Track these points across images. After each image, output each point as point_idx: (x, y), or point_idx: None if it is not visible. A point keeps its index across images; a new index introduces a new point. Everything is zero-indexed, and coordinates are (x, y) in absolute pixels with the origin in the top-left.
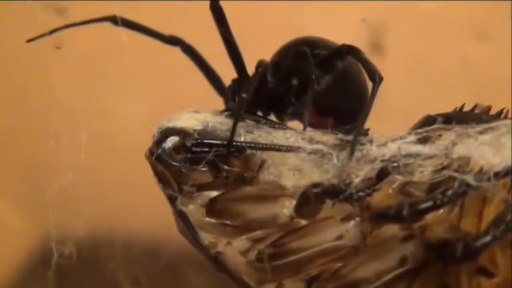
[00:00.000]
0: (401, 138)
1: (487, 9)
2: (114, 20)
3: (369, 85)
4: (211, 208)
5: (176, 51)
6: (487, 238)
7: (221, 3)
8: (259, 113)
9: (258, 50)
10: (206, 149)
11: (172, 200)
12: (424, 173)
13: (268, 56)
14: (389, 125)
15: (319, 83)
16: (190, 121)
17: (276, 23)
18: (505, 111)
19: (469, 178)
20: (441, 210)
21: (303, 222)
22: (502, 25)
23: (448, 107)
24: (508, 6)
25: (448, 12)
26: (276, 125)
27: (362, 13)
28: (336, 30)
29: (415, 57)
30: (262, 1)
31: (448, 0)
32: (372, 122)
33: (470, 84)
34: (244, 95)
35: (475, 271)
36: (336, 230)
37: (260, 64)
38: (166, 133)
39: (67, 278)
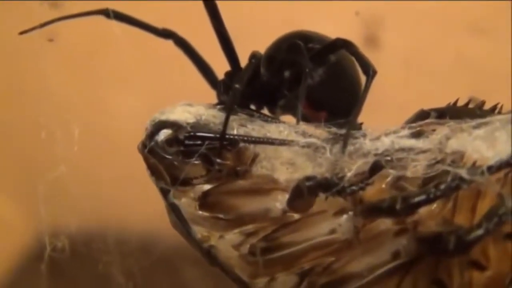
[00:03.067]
0: (394, 132)
1: (484, 3)
2: (106, 13)
3: (363, 79)
4: (204, 201)
5: (169, 44)
6: (480, 231)
7: None
8: (252, 107)
9: (252, 44)
10: (199, 142)
11: (164, 193)
12: (417, 168)
13: (261, 50)
14: (383, 119)
15: (313, 76)
16: (183, 114)
17: (270, 16)
18: (499, 106)
19: (463, 172)
20: (435, 205)
21: (296, 216)
22: (498, 20)
23: (443, 102)
24: (505, 0)
25: (444, 5)
26: (269, 119)
27: (356, 7)
28: (331, 23)
29: (410, 51)
30: None
31: None
32: (367, 116)
33: (466, 79)
34: (237, 85)
35: (467, 264)
36: (329, 224)
37: (254, 56)
38: (159, 126)
39: (60, 271)
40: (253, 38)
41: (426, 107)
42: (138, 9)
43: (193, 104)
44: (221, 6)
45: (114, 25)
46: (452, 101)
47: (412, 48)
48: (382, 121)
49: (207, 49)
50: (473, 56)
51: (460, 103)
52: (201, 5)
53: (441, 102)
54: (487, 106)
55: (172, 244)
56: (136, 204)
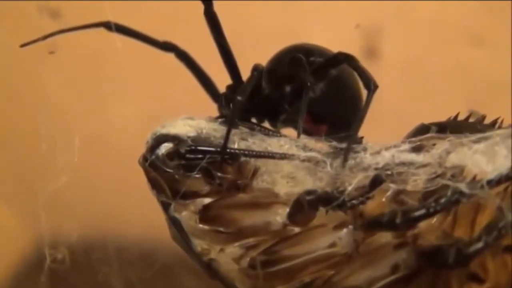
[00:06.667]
0: (395, 146)
1: (483, 14)
2: (108, 25)
3: (364, 92)
4: (205, 215)
5: (170, 56)
6: (480, 245)
7: (216, 8)
8: (253, 120)
9: (253, 56)
10: (200, 156)
11: (165, 206)
12: (417, 182)
13: (262, 62)
14: (383, 130)
15: (314, 90)
16: (184, 127)
17: (271, 29)
18: (499, 120)
19: (462, 186)
20: (434, 219)
21: (296, 229)
22: (498, 30)
23: (443, 113)
24: (504, 11)
25: (443, 17)
26: (270, 133)
27: (356, 18)
28: (331, 35)
29: (409, 62)
30: (257, 6)
31: (444, 0)
32: (366, 128)
33: (466, 90)
34: (239, 97)
35: (466, 277)
36: (329, 237)
37: (256, 68)
38: (160, 139)
39: (60, 282)
40: (254, 50)
41: (426, 118)
42: (139, 20)
43: (194, 118)
44: (222, 18)
45: (115, 37)
46: (452, 112)
47: (411, 59)
48: (382, 132)
49: (208, 62)
50: (472, 66)
51: (461, 115)
52: (202, 16)
53: (441, 113)
54: (488, 116)
55: (172, 255)
56: (136, 214)
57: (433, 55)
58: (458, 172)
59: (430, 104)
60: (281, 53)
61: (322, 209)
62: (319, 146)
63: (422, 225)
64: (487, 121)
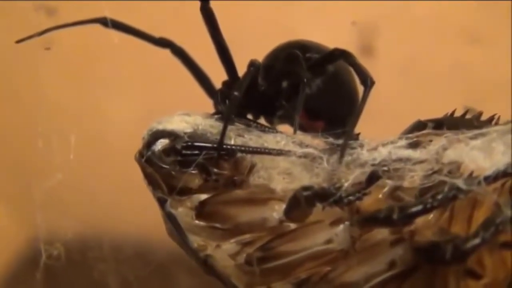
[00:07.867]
0: (391, 142)
1: (480, 12)
2: (104, 22)
3: (360, 89)
4: (201, 211)
5: (167, 52)
6: (477, 241)
7: (212, 5)
8: (249, 117)
9: (249, 53)
10: (196, 152)
11: (161, 202)
12: (414, 178)
13: (258, 59)
14: (379, 128)
15: (310, 87)
16: (180, 123)
17: (267, 25)
18: (496, 117)
19: (459, 182)
20: (431, 215)
21: (293, 225)
22: (495, 29)
23: (440, 111)
24: (502, 9)
25: (440, 14)
26: (267, 129)
27: (352, 15)
28: (327, 32)
29: (406, 60)
30: (253, 3)
31: (440, 0)
32: (363, 125)
33: (463, 88)
34: (235, 93)
35: (463, 273)
36: (326, 234)
37: (252, 64)
38: (156, 135)
39: (55, 279)
40: (250, 46)
41: (423, 115)
42: (135, 17)
43: (190, 114)
44: (218, 14)
45: (111, 33)
46: (448, 110)
47: (408, 57)
48: (378, 130)
49: (204, 58)
50: (470, 65)
51: (457, 112)
52: (198, 13)
53: (437, 111)
54: (484, 115)
55: (168, 253)
56: (132, 212)
57: (430, 53)
58: (455, 168)
59: (427, 102)
60: (277, 49)
61: (318, 205)
62: (316, 143)
63: (419, 221)
64: (484, 118)
